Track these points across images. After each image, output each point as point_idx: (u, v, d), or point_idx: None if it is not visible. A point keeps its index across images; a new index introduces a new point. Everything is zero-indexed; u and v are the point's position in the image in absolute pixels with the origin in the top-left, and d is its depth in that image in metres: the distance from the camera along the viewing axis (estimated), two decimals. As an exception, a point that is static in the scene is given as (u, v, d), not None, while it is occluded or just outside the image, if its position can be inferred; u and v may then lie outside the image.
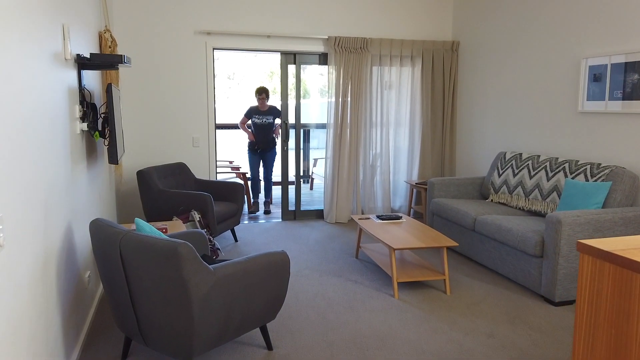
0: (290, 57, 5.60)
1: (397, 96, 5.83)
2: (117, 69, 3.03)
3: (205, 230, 4.11)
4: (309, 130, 8.58)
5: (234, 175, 6.93)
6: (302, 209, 5.97)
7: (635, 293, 1.53)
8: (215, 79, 5.37)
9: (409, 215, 5.86)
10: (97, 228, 2.35)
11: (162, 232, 3.35)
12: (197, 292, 2.14)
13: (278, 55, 5.56)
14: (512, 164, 4.56)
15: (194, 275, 2.12)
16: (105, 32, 3.95)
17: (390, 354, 2.69)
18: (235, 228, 5.34)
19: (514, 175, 4.47)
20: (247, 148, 6.31)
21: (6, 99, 1.63)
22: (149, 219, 4.37)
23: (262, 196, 6.52)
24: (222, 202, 4.70)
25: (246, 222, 5.76)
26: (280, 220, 5.85)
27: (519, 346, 2.80)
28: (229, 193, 4.81)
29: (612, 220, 3.30)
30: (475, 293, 3.56)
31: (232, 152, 9.38)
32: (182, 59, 5.19)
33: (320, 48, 5.55)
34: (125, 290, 2.30)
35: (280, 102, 5.69)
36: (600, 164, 3.72)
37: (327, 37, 5.48)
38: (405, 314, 3.20)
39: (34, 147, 1.96)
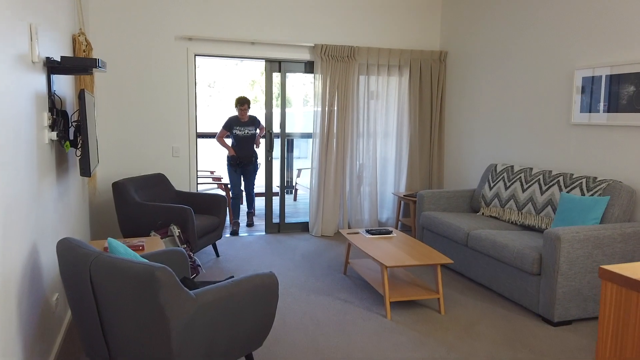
0: (275, 65, 5.43)
1: (385, 106, 5.70)
2: (92, 73, 2.81)
3: (185, 246, 3.87)
4: (292, 140, 8.40)
5: (215, 186, 6.69)
6: (286, 221, 5.77)
7: (671, 327, 1.38)
8: (196, 87, 5.16)
9: (396, 228, 5.70)
10: (65, 249, 2.12)
11: (139, 249, 3.11)
12: (176, 321, 1.92)
13: (259, 64, 5.41)
14: (503, 177, 4.44)
15: (174, 303, 1.90)
16: (79, 35, 3.72)
17: (386, 383, 2.50)
18: (217, 242, 5.10)
19: (506, 188, 4.35)
20: (227, 163, 5.79)
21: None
22: (125, 234, 4.11)
23: (243, 207, 6.28)
24: (203, 216, 4.47)
25: (227, 235, 5.52)
26: (264, 233, 5.63)
27: (522, 372, 2.63)
28: (210, 205, 4.58)
29: (611, 237, 3.19)
30: (471, 313, 3.40)
31: (213, 162, 9.12)
32: (162, 65, 4.96)
33: (306, 56, 5.38)
34: (95, 319, 2.06)
35: (264, 111, 5.49)
36: (596, 178, 3.62)
37: (313, 44, 5.32)
38: (399, 336, 3.02)
39: (-9, 159, 1.72)
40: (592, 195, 3.55)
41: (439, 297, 3.38)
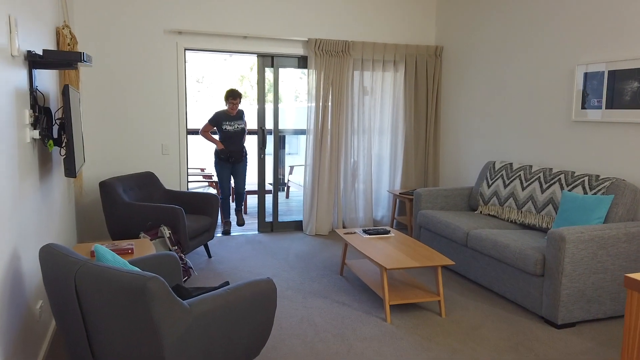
0: (268, 60, 5.28)
1: (380, 102, 5.58)
2: (76, 68, 2.65)
3: (176, 247, 3.73)
4: (284, 136, 8.26)
5: (207, 184, 6.54)
6: (279, 220, 5.64)
7: None
8: (186, 82, 5.00)
9: (392, 226, 5.60)
10: (48, 256, 1.97)
11: (128, 252, 2.97)
12: (170, 334, 1.79)
13: (248, 59, 5.25)
14: (502, 175, 4.36)
15: (167, 316, 1.77)
16: (63, 29, 3.54)
17: (390, 393, 2.40)
18: (209, 243, 4.96)
19: (505, 186, 4.27)
20: (215, 158, 5.33)
21: None
22: (114, 235, 3.96)
23: (232, 205, 6.09)
24: (195, 216, 4.33)
25: (219, 235, 5.38)
26: (257, 232, 5.50)
27: (528, 378, 2.55)
28: (201, 205, 4.44)
29: (616, 237, 3.11)
30: (472, 315, 3.31)
31: (203, 160, 8.95)
32: (151, 60, 4.79)
33: (299, 51, 5.24)
34: (82, 332, 1.92)
35: (256, 107, 5.34)
36: (598, 176, 3.54)
37: (307, 39, 5.18)
38: (400, 341, 2.91)
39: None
40: (594, 193, 3.48)
41: (439, 300, 3.28)
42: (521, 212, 4.04)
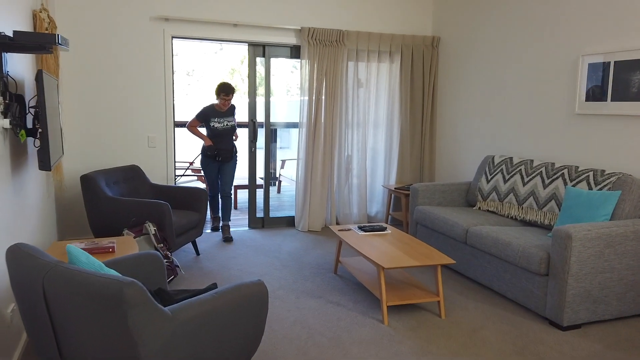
0: (259, 49, 5.08)
1: (375, 94, 5.41)
2: (51, 52, 2.45)
3: (162, 245, 3.54)
4: (275, 130, 8.07)
5: (195, 178, 6.33)
6: (271, 215, 5.46)
7: None
8: (175, 75, 4.78)
9: (386, 222, 5.45)
10: (15, 258, 1.78)
11: (108, 251, 2.78)
12: (149, 344, 1.62)
13: (240, 52, 5.06)
14: (502, 169, 4.21)
15: (146, 325, 1.59)
16: (41, 12, 3.32)
17: (389, 402, 2.24)
18: (197, 240, 4.77)
19: (505, 181, 4.12)
20: (202, 155, 4.90)
21: None
22: (96, 232, 3.75)
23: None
24: (182, 211, 4.13)
25: (208, 231, 5.19)
26: (247, 228, 5.32)
27: (535, 385, 2.40)
28: (189, 200, 4.25)
29: (623, 235, 2.97)
30: (473, 316, 3.16)
31: (192, 153, 8.73)
32: (136, 48, 4.57)
33: (292, 40, 5.05)
34: (52, 341, 1.74)
35: (248, 100, 5.14)
36: (604, 171, 3.40)
37: (299, 28, 4.98)
38: (399, 345, 2.75)
39: None
40: (600, 189, 3.34)
41: (439, 300, 3.13)
42: (522, 208, 3.90)
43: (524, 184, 3.93)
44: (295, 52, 5.18)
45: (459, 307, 3.29)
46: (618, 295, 3.04)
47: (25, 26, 3.01)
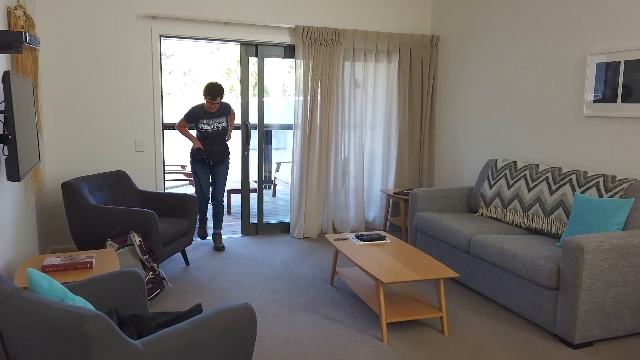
0: (252, 49, 4.88)
1: (372, 95, 5.21)
2: (21, 52, 2.24)
3: (147, 256, 3.33)
4: (270, 131, 7.87)
5: (187, 182, 6.12)
6: (265, 221, 5.26)
7: None
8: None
9: (385, 228, 5.26)
10: (-31, 284, 1.58)
11: (86, 267, 2.58)
12: (117, 385, 1.42)
13: (237, 51, 4.81)
14: (505, 174, 4.02)
15: (112, 364, 1.39)
16: (16, 9, 3.11)
17: None
18: (187, 248, 4.56)
19: (509, 186, 3.93)
20: (191, 158, 4.57)
21: None
22: (79, 243, 3.55)
23: (208, 224, 5.34)
24: (171, 219, 3.93)
25: (197, 238, 4.98)
26: (240, 235, 5.12)
27: (548, 413, 2.21)
28: (179, 207, 4.04)
29: (637, 246, 2.78)
30: (477, 332, 2.97)
31: (183, 156, 8.52)
32: (123, 47, 4.36)
33: (286, 39, 4.85)
34: (9, 379, 1.54)
35: (240, 101, 4.94)
36: (615, 177, 3.21)
37: (294, 26, 4.78)
38: (399, 367, 2.56)
39: None
40: (611, 196, 3.15)
41: (442, 316, 2.94)
42: (527, 216, 3.71)
43: (529, 190, 3.74)
44: (289, 51, 4.99)
45: (463, 323, 3.10)
46: (632, 310, 2.85)
47: (-2, 24, 2.81)
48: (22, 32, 2.09)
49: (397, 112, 5.26)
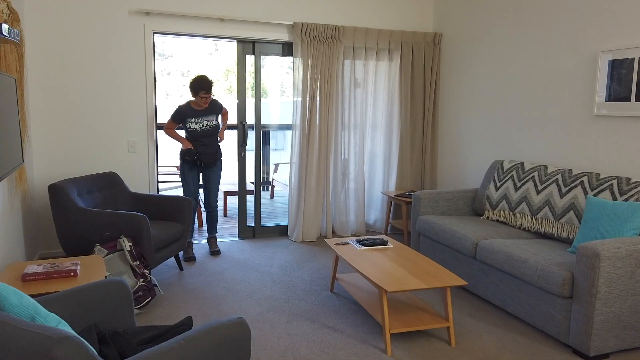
0: (249, 47, 4.72)
1: (373, 95, 5.06)
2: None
3: (138, 263, 3.17)
4: (268, 132, 7.71)
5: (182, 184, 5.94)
6: (262, 224, 5.09)
7: None
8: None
9: (386, 231, 5.10)
10: None
11: (70, 275, 2.41)
12: (93, 416, 1.25)
13: (235, 49, 4.64)
14: (512, 176, 3.87)
15: (86, 393, 1.23)
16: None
17: None
18: (181, 253, 4.39)
19: (516, 189, 3.78)
20: (180, 159, 4.30)
21: None
22: (67, 248, 3.38)
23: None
24: (164, 222, 3.77)
25: (195, 241, 4.82)
26: (237, 238, 4.95)
27: None
28: (172, 210, 3.88)
29: (656, 252, 2.63)
30: (486, 342, 2.81)
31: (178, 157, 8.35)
32: (114, 44, 4.20)
33: (284, 36, 4.69)
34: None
35: (237, 99, 4.78)
36: (630, 179, 3.06)
37: (292, 23, 4.63)
38: (405, 382, 2.40)
39: None
40: (626, 199, 3.00)
41: (449, 326, 2.78)
42: (536, 219, 3.56)
43: (538, 193, 3.59)
44: (287, 49, 4.83)
45: (470, 332, 2.94)
46: (650, 320, 2.70)
47: (-22, 17, 2.65)
48: (-3, 22, 1.93)
49: (398, 111, 5.10)
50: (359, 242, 3.41)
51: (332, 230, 5.12)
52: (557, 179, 3.50)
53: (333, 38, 4.72)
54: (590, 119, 3.51)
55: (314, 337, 2.84)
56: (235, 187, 5.91)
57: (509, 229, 3.64)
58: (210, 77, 4.13)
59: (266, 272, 3.93)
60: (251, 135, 4.87)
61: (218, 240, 4.85)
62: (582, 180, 3.31)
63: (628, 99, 3.22)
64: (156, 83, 4.42)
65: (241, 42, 4.67)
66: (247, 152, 4.87)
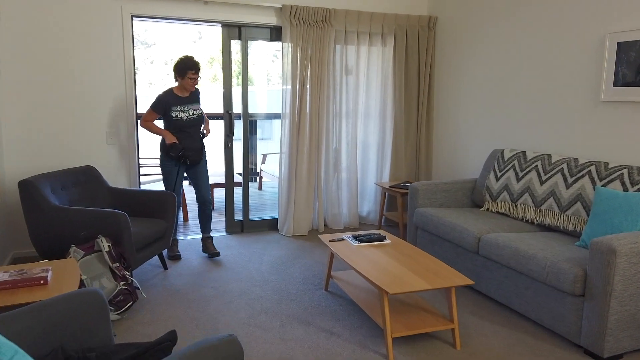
0: (234, 31, 4.45)
1: (366, 81, 4.84)
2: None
3: (118, 264, 2.93)
4: (255, 121, 7.45)
5: (166, 177, 5.67)
6: (251, 218, 4.87)
7: None
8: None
9: (380, 224, 4.91)
10: None
11: (39, 283, 2.18)
12: None
13: (220, 40, 4.36)
14: (514, 165, 3.69)
15: None
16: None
17: None
18: (165, 251, 4.15)
19: (518, 179, 3.61)
20: (161, 157, 3.87)
21: None
22: (40, 250, 3.13)
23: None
24: (146, 219, 3.52)
25: (181, 237, 4.58)
26: (225, 233, 4.73)
27: None
28: (155, 206, 3.64)
29: (673, 246, 2.47)
30: (492, 344, 2.65)
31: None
32: (90, 29, 3.91)
33: (272, 19, 4.43)
34: None
35: (222, 89, 4.52)
36: (641, 169, 2.90)
37: (280, 5, 4.37)
38: (410, 392, 2.22)
39: None
40: (638, 190, 2.83)
41: (454, 328, 2.60)
42: (540, 211, 3.39)
43: (542, 183, 3.42)
44: (276, 34, 4.57)
45: (475, 333, 2.77)
46: (665, 318, 2.55)
47: None
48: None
49: (392, 99, 4.89)
50: (355, 238, 3.21)
51: (324, 224, 4.92)
52: (562, 168, 3.33)
53: (324, 22, 4.47)
54: (597, 104, 3.33)
55: (309, 342, 2.65)
56: (222, 179, 5.67)
57: (511, 222, 3.48)
58: (195, 59, 3.77)
59: (256, 270, 3.72)
60: (238, 125, 4.62)
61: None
62: (590, 170, 3.14)
63: (638, 84, 3.05)
64: (136, 71, 4.14)
65: (226, 26, 4.40)
66: (233, 142, 4.63)
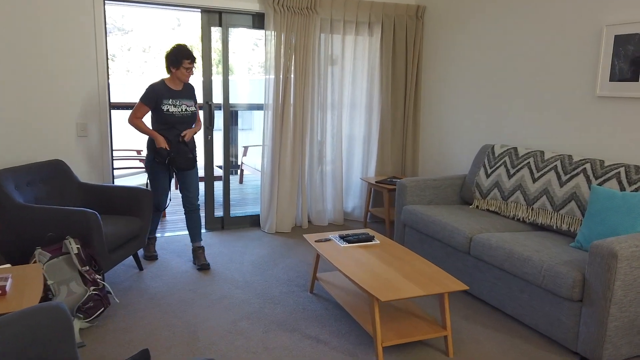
0: (215, 17, 4.22)
1: (352, 72, 4.66)
2: None
3: (87, 268, 2.72)
4: (236, 112, 7.21)
5: (143, 171, 5.43)
6: (232, 214, 4.68)
7: None
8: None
9: (365, 220, 4.77)
10: None
11: (-3, 294, 1.96)
12: None
13: (199, 23, 4.13)
14: (505, 162, 3.58)
15: None
16: None
17: None
18: (141, 251, 3.94)
19: (509, 176, 3.49)
20: (148, 159, 3.53)
21: None
22: (3, 252, 2.89)
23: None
24: (120, 217, 3.30)
25: (158, 234, 4.37)
26: (204, 230, 4.52)
27: None
28: (129, 203, 3.42)
29: (674, 249, 2.38)
30: (486, 350, 2.53)
31: (138, 139, 7.77)
32: (58, 13, 3.63)
33: (254, 6, 4.21)
34: None
35: (202, 77, 4.29)
36: (639, 167, 2.80)
37: (263, -9, 4.15)
38: (403, 407, 2.09)
39: None
40: (636, 189, 2.74)
41: (447, 335, 2.47)
42: (532, 210, 3.28)
43: (534, 181, 3.31)
44: (258, 21, 4.35)
45: (468, 339, 2.65)
46: (664, 323, 2.46)
47: None
48: None
49: (378, 90, 4.73)
50: (342, 238, 3.05)
51: (308, 220, 4.76)
52: (555, 165, 3.22)
53: (309, 9, 4.27)
54: (593, 100, 3.23)
55: (295, 350, 2.49)
56: (201, 173, 5.45)
57: (503, 220, 3.36)
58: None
59: (237, 271, 3.54)
60: (218, 116, 4.40)
61: (182, 233, 4.41)
62: (585, 168, 3.04)
63: (635, 79, 2.95)
64: (112, 58, 3.88)
65: (206, 12, 4.16)
66: (214, 134, 4.41)
